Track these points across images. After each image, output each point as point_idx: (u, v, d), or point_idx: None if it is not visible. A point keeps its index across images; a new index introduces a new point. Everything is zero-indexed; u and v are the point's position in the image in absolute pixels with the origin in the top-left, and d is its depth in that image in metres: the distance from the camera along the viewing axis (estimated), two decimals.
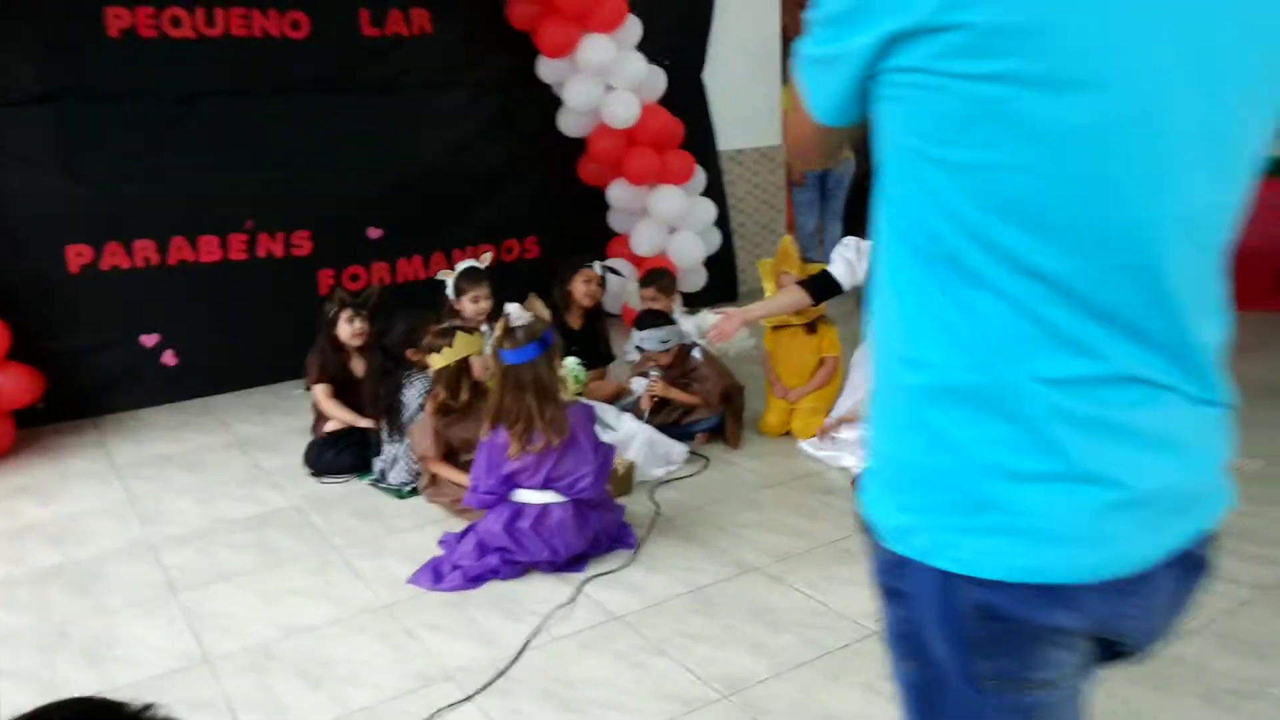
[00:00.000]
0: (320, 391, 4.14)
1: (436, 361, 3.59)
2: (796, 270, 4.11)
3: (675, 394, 4.17)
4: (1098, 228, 0.92)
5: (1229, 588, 2.84)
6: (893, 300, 1.03)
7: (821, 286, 3.84)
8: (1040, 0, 0.86)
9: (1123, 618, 1.04)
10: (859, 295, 3.83)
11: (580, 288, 4.57)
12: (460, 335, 3.59)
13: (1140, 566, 1.01)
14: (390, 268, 5.50)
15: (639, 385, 4.50)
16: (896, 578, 1.06)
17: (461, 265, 4.29)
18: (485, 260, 4.37)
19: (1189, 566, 1.08)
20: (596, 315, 4.71)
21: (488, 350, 3.48)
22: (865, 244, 3.83)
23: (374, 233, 5.45)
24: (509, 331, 3.13)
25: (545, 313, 3.32)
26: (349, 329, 4.15)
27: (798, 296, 3.85)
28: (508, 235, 5.90)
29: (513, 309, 3.17)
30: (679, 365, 4.23)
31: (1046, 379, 0.94)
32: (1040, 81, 0.87)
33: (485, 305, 4.16)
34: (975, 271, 0.95)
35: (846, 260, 3.85)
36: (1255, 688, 2.39)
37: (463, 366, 3.60)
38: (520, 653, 2.70)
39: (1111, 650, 1.12)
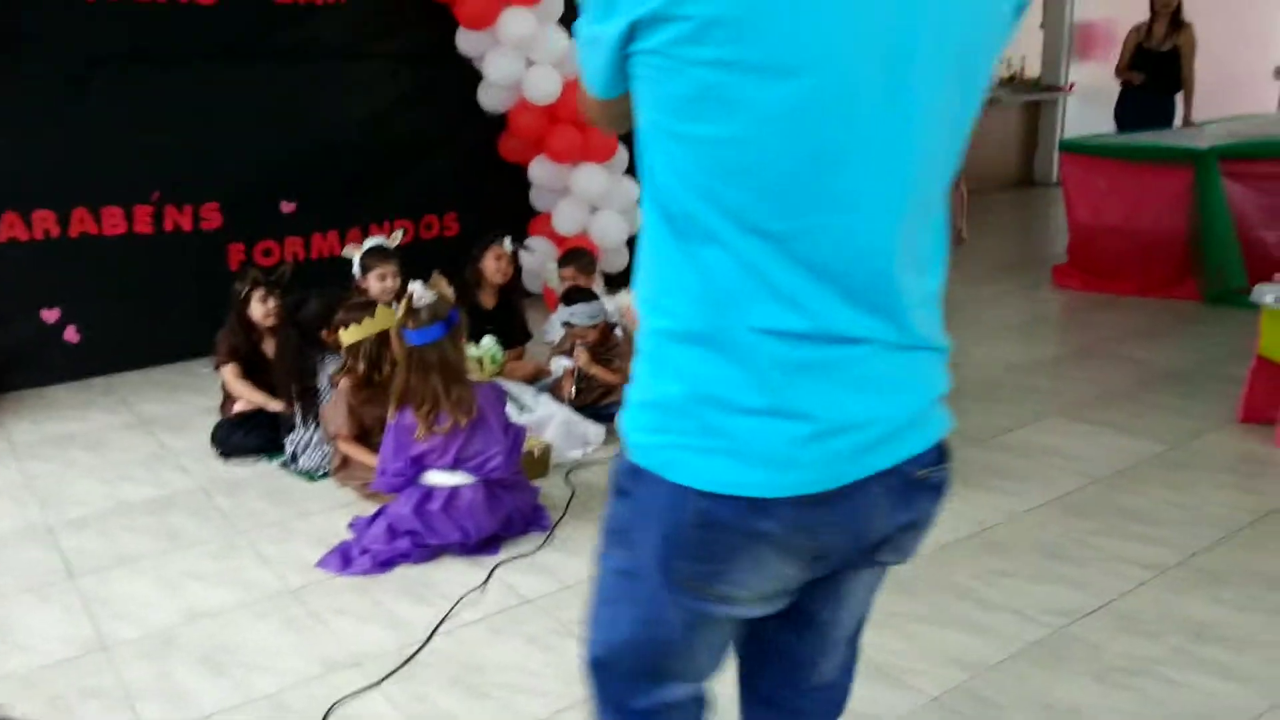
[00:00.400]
0: (229, 372, 4.04)
1: (351, 335, 3.52)
2: None
3: (598, 370, 4.15)
4: (809, 195, 1.07)
5: (1127, 569, 2.94)
6: (647, 254, 1.19)
7: None
8: None
9: (821, 526, 1.20)
10: None
11: (491, 265, 4.51)
12: (381, 309, 3.53)
13: (834, 485, 1.18)
14: (304, 243, 5.37)
15: (559, 366, 4.48)
16: (632, 482, 1.24)
17: (369, 242, 4.21)
18: (396, 238, 4.29)
19: (908, 487, 1.25)
20: (511, 293, 4.66)
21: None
22: None
23: (287, 206, 5.31)
24: (412, 311, 3.08)
25: (449, 291, 3.28)
26: (262, 308, 4.04)
27: None
28: (427, 211, 5.80)
29: (416, 287, 3.11)
30: (602, 343, 4.21)
31: (762, 329, 1.11)
32: (751, 67, 1.01)
33: (392, 284, 4.09)
34: (707, 231, 1.10)
35: None
36: (1145, 666, 2.48)
37: (384, 340, 3.53)
38: (428, 638, 2.68)
39: (834, 564, 1.29)
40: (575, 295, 4.21)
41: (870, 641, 2.60)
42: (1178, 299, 5.90)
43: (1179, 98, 7.51)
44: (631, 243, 6.06)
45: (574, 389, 4.12)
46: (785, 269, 1.09)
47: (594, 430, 4.00)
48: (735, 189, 1.07)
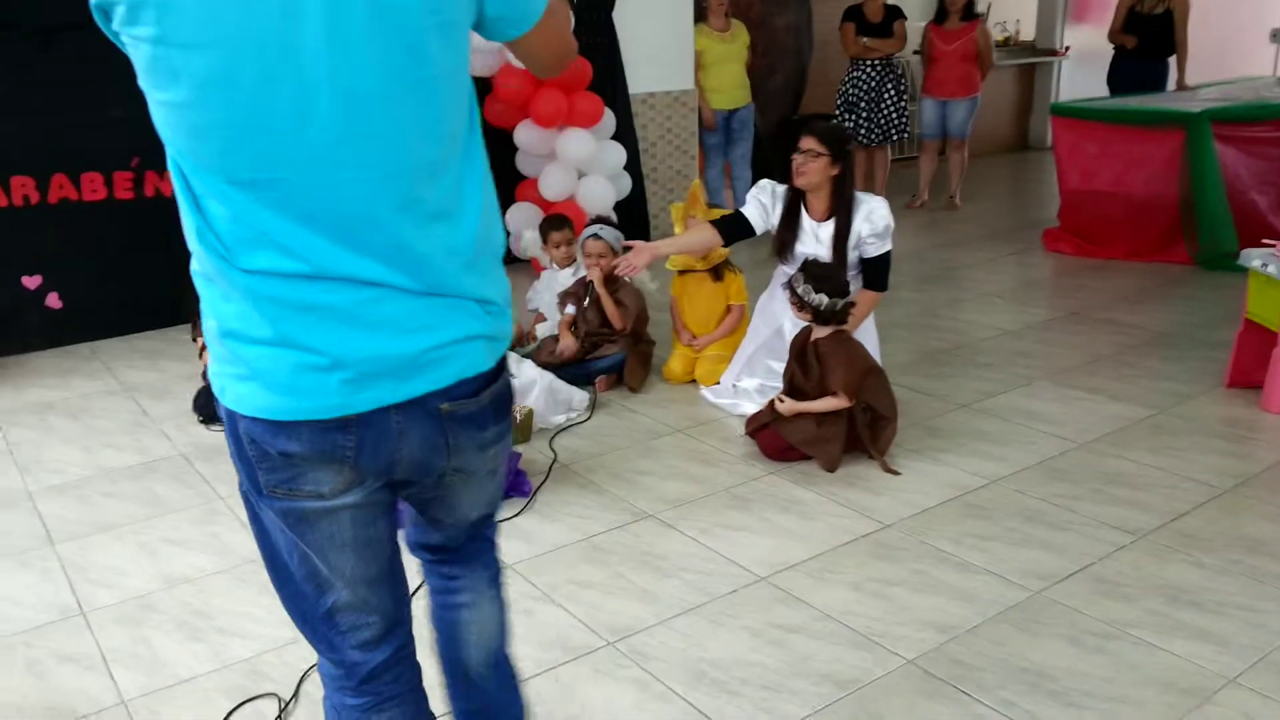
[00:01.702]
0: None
1: None
2: (703, 215, 4.09)
3: (605, 296, 4.14)
4: (276, 151, 1.21)
5: (1108, 533, 2.93)
6: (179, 202, 1.30)
7: (733, 228, 3.83)
8: None
9: (345, 448, 1.35)
10: (777, 239, 3.83)
11: None
12: None
13: (346, 413, 1.32)
14: None
15: (543, 330, 4.46)
16: (222, 411, 1.41)
17: None
18: None
19: (434, 417, 1.39)
20: None
21: None
22: (781, 188, 3.82)
23: None
24: None
25: None
26: None
27: (709, 235, 3.83)
28: None
29: None
30: (611, 281, 4.19)
31: (259, 270, 1.25)
32: (176, 43, 1.16)
33: None
34: (204, 183, 1.24)
35: (760, 203, 3.84)
36: (1119, 630, 2.48)
37: None
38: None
39: (401, 482, 1.46)
40: (599, 219, 4.35)
41: (847, 606, 2.62)
42: (1169, 263, 5.87)
43: (1173, 61, 7.44)
44: (619, 208, 6.02)
45: (575, 329, 4.17)
46: (275, 217, 1.23)
47: (578, 396, 3.98)
48: (206, 146, 1.21)
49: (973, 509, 3.10)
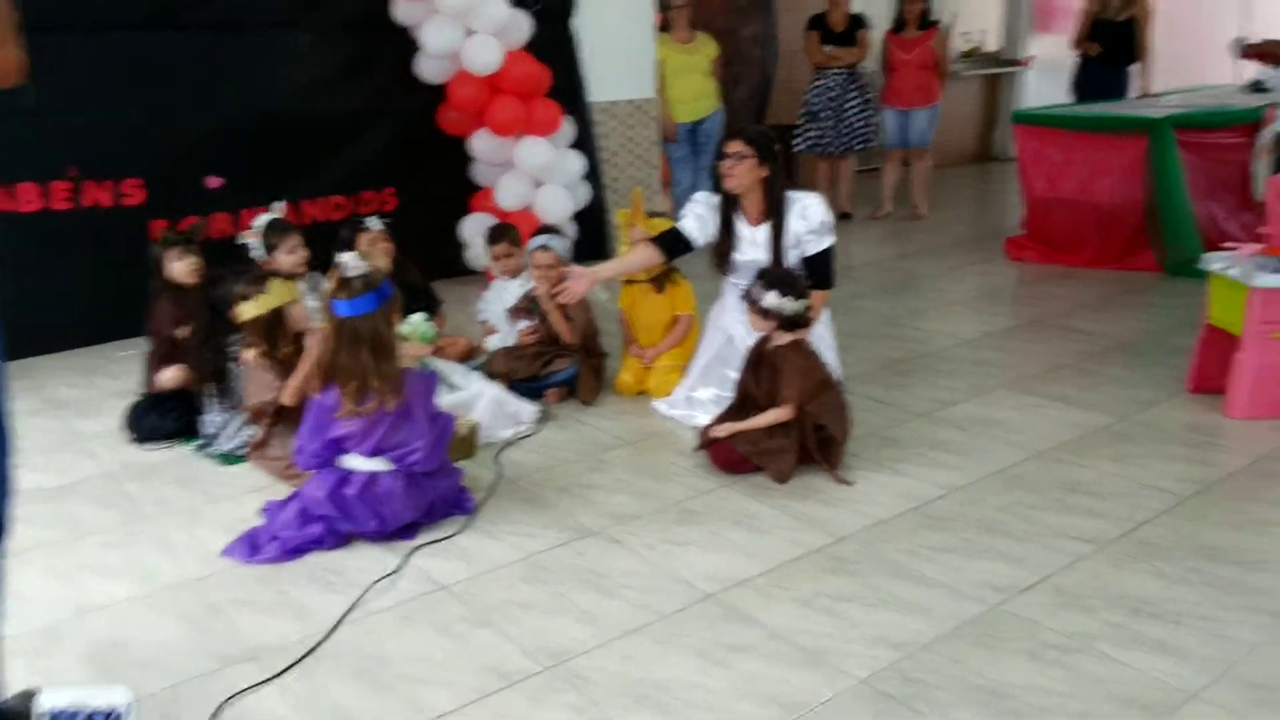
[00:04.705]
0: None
1: (247, 311, 3.35)
2: (642, 224, 3.99)
3: (553, 310, 3.99)
4: None
5: (1068, 543, 2.83)
6: None
7: (672, 243, 3.75)
8: None
9: None
10: (715, 251, 3.73)
11: (367, 251, 4.30)
12: (274, 282, 3.35)
13: None
14: (233, 219, 5.16)
15: (495, 342, 4.33)
16: None
17: (261, 220, 4.01)
18: (279, 209, 4.09)
19: None
20: (399, 270, 4.39)
21: (310, 302, 3.27)
22: (715, 197, 3.72)
23: (214, 182, 5.11)
24: (344, 281, 2.91)
25: (384, 260, 3.10)
26: (182, 265, 3.83)
27: (648, 254, 3.76)
28: (363, 187, 5.61)
29: (347, 257, 2.95)
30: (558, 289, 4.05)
31: None
32: None
33: (302, 254, 3.92)
34: None
35: (697, 215, 3.75)
36: (1081, 642, 2.37)
37: (278, 317, 3.36)
38: (333, 629, 2.52)
39: None
40: (546, 229, 4.22)
41: (797, 623, 2.50)
42: (1134, 270, 5.81)
43: (1136, 69, 7.43)
44: (578, 218, 5.91)
45: (532, 323, 4.07)
46: None
47: (527, 409, 3.85)
48: None
49: (930, 520, 2.99)
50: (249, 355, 3.42)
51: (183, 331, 3.81)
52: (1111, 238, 5.92)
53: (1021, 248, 6.29)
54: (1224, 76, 9.21)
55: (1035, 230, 6.28)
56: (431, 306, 4.51)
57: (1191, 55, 8.97)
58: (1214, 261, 3.76)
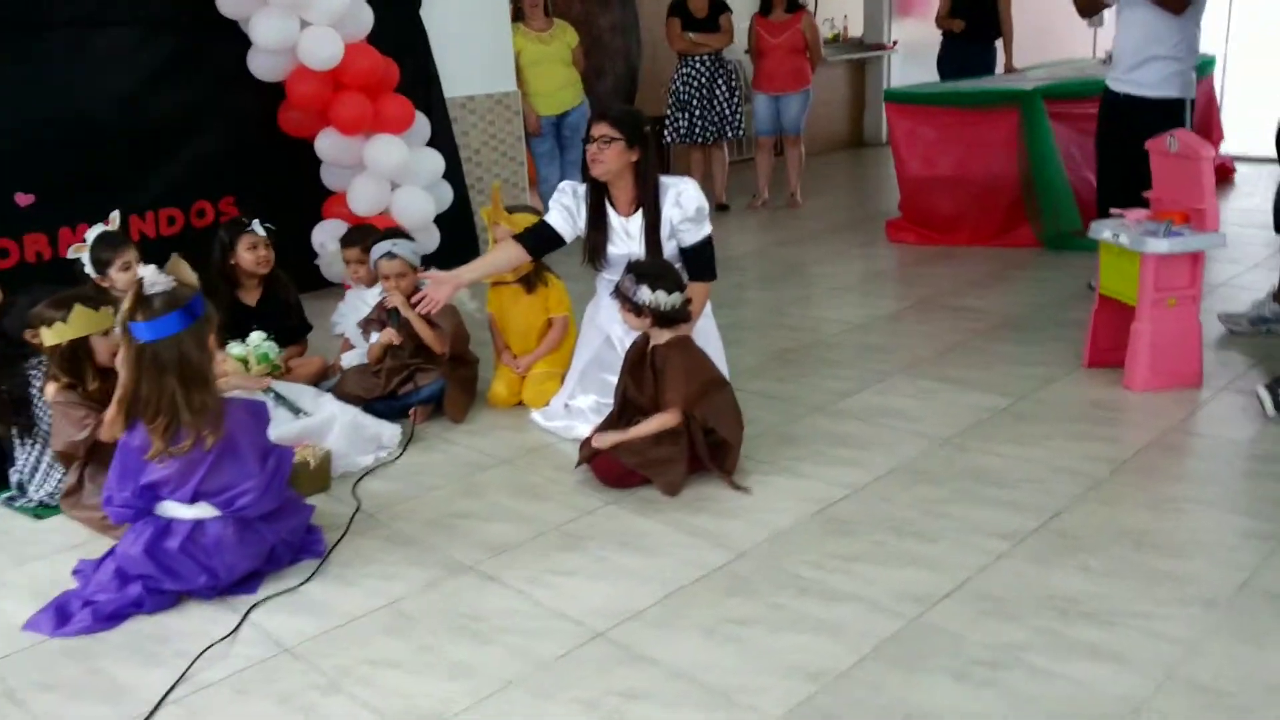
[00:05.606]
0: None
1: (48, 338, 2.90)
2: (504, 221, 3.66)
3: (416, 319, 3.59)
4: None
5: (984, 540, 2.61)
6: None
7: (539, 240, 3.43)
8: None
9: None
10: (586, 245, 3.43)
11: (247, 256, 3.86)
12: (78, 308, 2.90)
13: None
14: (50, 239, 4.60)
15: (350, 359, 3.93)
16: None
17: (92, 233, 3.56)
18: (114, 221, 3.63)
19: None
20: (276, 283, 4.02)
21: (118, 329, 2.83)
22: (582, 187, 3.41)
23: (24, 199, 4.55)
24: (142, 300, 2.48)
25: (192, 276, 2.68)
26: None
27: (513, 253, 3.44)
28: (198, 196, 5.10)
29: (147, 272, 2.52)
30: (411, 299, 3.65)
31: None
32: None
33: (139, 270, 3.46)
34: None
35: (563, 206, 3.43)
36: (1010, 656, 2.14)
37: (82, 348, 2.92)
38: (152, 711, 2.12)
39: None
40: (395, 233, 3.87)
41: (698, 658, 2.20)
42: (1014, 246, 5.73)
43: (999, 45, 7.42)
44: (441, 220, 5.53)
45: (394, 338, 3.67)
46: None
47: (388, 431, 3.47)
48: None
49: (835, 525, 2.74)
50: (50, 389, 2.96)
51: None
52: (989, 214, 5.83)
53: (901, 229, 6.16)
54: (1082, 50, 9.36)
55: (913, 211, 6.16)
56: (300, 330, 4.08)
57: (1047, 30, 9.07)
58: (1102, 230, 3.62)
